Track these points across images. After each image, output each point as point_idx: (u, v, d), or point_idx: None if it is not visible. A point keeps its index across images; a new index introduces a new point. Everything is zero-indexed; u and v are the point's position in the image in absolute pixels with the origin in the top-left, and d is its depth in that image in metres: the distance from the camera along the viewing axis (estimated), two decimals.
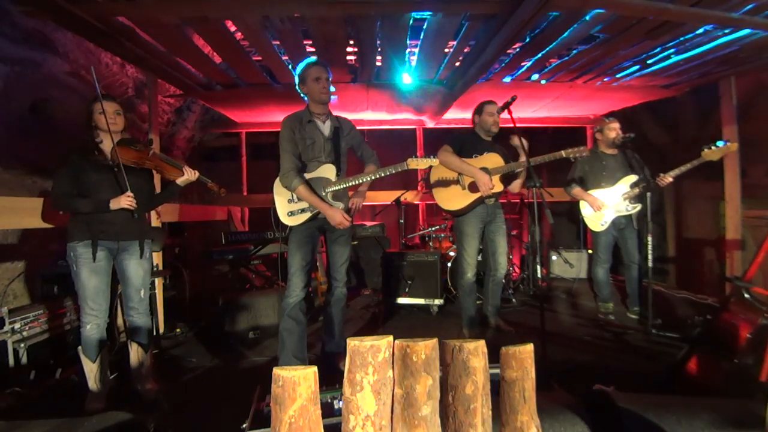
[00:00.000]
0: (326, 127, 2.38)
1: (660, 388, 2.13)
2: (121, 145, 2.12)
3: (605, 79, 3.86)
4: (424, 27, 2.77)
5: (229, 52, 3.15)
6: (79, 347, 2.13)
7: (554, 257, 4.93)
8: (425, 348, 0.94)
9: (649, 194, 2.97)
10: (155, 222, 3.33)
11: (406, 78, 3.69)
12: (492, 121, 2.92)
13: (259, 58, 3.33)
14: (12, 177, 2.78)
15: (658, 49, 3.15)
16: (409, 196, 4.88)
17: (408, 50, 3.26)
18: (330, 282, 2.51)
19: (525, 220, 5.59)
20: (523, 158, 2.61)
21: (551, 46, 3.03)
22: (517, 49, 3.21)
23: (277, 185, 2.35)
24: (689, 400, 1.44)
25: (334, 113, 2.47)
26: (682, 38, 2.93)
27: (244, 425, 1.46)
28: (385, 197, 4.80)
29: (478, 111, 2.99)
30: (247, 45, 3.13)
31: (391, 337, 0.95)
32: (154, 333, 3.02)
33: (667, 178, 2.98)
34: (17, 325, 2.27)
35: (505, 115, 2.58)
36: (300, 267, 2.29)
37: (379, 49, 3.19)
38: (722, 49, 3.07)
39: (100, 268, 2.10)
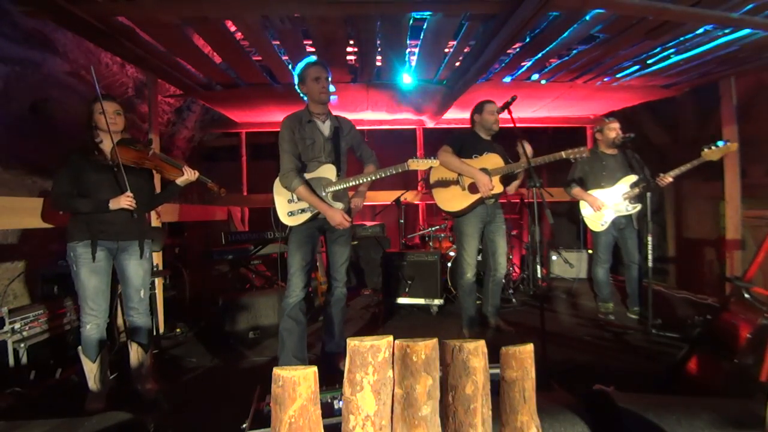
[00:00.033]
0: (326, 127, 2.38)
1: (660, 388, 2.13)
2: (121, 145, 2.12)
3: (605, 79, 3.86)
4: (424, 27, 2.76)
5: (229, 52, 3.15)
6: (79, 347, 2.13)
7: (554, 257, 4.93)
8: (425, 348, 0.94)
9: (649, 194, 2.97)
10: (155, 222, 3.33)
11: (406, 78, 3.69)
12: (494, 119, 2.92)
13: (259, 58, 3.33)
14: (12, 177, 2.78)
15: (658, 49, 3.15)
16: (409, 196, 4.88)
17: (408, 50, 3.26)
18: (330, 282, 2.51)
19: (525, 220, 5.59)
20: (523, 160, 2.61)
21: (551, 46, 3.03)
22: (517, 49, 3.21)
23: (277, 185, 2.35)
24: (689, 400, 1.44)
25: (334, 113, 2.47)
26: (682, 38, 2.93)
27: (244, 425, 1.46)
28: (385, 197, 4.80)
29: (479, 110, 2.98)
30: (247, 45, 3.13)
31: (391, 337, 0.95)
32: (154, 333, 3.02)
33: (667, 178, 2.97)
34: (17, 325, 2.27)
35: (505, 115, 2.58)
36: (300, 267, 2.29)
37: (379, 49, 3.18)
38: (722, 49, 3.07)
39: (99, 268, 2.10)
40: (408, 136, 5.60)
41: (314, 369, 0.91)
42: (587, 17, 2.57)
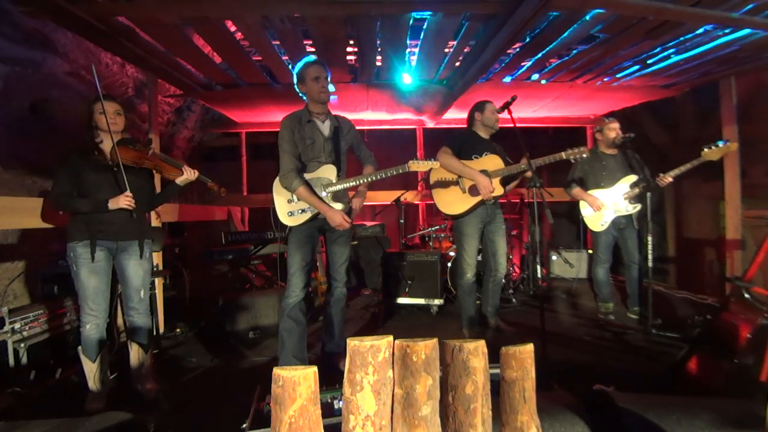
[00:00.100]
0: (326, 127, 2.37)
1: (660, 388, 2.13)
2: (120, 145, 2.12)
3: (605, 79, 3.86)
4: (424, 27, 2.76)
5: (229, 52, 3.15)
6: (79, 347, 2.13)
7: (554, 257, 4.93)
8: (425, 348, 0.94)
9: (649, 194, 2.97)
10: (155, 222, 3.33)
11: (406, 78, 3.69)
12: (495, 118, 2.93)
13: (259, 58, 3.33)
14: (12, 177, 2.79)
15: (658, 49, 3.15)
16: (409, 196, 4.88)
17: (408, 50, 3.26)
18: (330, 282, 2.51)
19: (525, 220, 5.59)
20: (524, 161, 2.60)
21: (551, 46, 3.03)
22: (517, 49, 3.20)
23: (277, 185, 2.35)
24: (689, 400, 1.44)
25: (334, 113, 2.46)
26: (682, 38, 2.93)
27: (244, 425, 1.46)
28: (385, 197, 4.79)
29: (480, 108, 2.97)
30: (247, 45, 3.13)
31: (391, 337, 0.95)
32: (154, 333, 3.02)
33: (667, 178, 2.97)
34: (17, 325, 2.27)
35: (505, 114, 2.58)
36: (300, 267, 2.29)
37: (379, 49, 3.18)
38: (722, 49, 3.07)
39: (99, 268, 2.10)
40: (408, 136, 5.60)
41: (314, 369, 0.91)
42: (587, 17, 2.57)
